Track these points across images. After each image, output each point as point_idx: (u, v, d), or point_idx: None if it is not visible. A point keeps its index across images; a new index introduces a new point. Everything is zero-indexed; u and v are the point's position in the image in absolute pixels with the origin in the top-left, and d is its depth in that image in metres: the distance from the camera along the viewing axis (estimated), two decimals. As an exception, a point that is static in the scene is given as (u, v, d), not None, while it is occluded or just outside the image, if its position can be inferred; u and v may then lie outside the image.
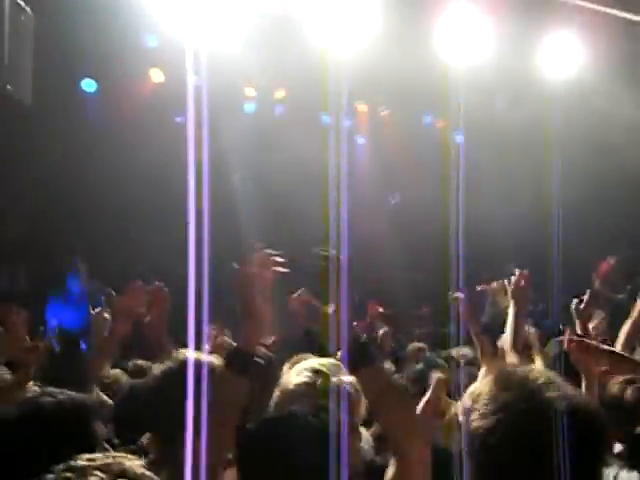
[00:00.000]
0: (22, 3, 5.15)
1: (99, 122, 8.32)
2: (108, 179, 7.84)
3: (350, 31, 7.53)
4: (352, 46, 7.50)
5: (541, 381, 1.17)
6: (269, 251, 1.59)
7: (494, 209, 10.11)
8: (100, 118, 8.36)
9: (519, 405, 1.13)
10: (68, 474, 0.88)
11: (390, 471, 1.55)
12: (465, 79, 8.68)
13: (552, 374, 1.24)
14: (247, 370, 1.54)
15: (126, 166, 8.02)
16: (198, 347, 1.82)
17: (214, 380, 1.48)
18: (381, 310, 6.80)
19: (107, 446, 1.61)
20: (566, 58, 8.81)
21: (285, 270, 1.57)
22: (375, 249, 9.08)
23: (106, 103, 8.42)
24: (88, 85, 8.30)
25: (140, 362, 3.40)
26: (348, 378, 1.73)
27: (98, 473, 0.87)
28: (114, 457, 0.93)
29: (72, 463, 0.91)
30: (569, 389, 1.19)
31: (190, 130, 2.25)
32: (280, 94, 9.34)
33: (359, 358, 1.51)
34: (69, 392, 1.63)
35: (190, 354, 1.86)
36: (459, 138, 10.80)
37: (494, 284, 4.41)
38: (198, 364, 1.78)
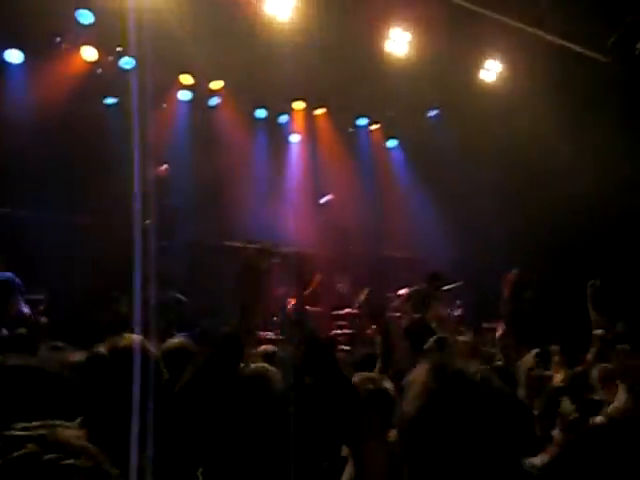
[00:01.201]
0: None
1: (23, 94, 7.91)
2: (29, 156, 7.49)
3: (293, 26, 7.56)
4: (295, 42, 7.53)
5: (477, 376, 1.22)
6: (266, 244, 1.60)
7: (423, 214, 10.42)
8: (24, 90, 7.95)
9: (447, 393, 1.18)
10: None
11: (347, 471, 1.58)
12: (401, 85, 8.95)
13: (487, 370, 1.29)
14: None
15: (49, 148, 7.67)
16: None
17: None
18: None
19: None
20: (493, 73, 9.28)
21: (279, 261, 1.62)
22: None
23: (32, 76, 8.02)
24: (13, 55, 7.87)
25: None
26: None
27: (30, 445, 0.81)
28: (50, 426, 0.86)
29: (5, 433, 0.84)
30: (501, 385, 1.24)
31: (134, 115, 2.19)
32: (217, 85, 9.21)
33: None
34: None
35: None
36: (392, 143, 11.08)
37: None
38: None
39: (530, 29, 8.16)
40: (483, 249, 9.54)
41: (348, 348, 8.51)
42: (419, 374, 1.25)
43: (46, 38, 7.97)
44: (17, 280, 6.05)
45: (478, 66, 9.40)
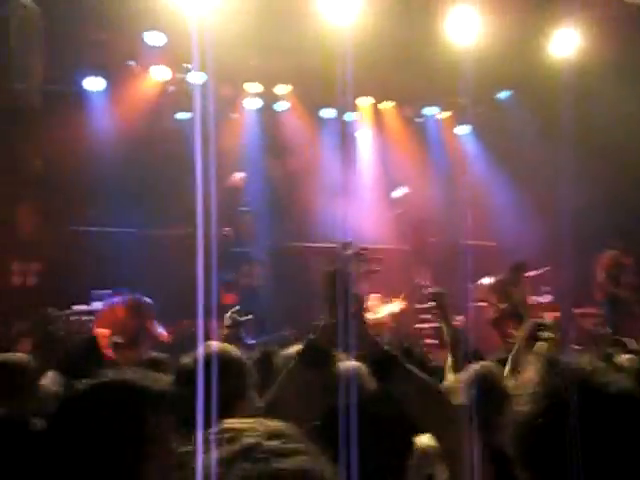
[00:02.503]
0: (30, 2, 5.18)
1: (103, 119, 8.35)
2: (110, 177, 7.91)
3: (354, 23, 7.55)
4: (355, 37, 7.50)
5: (590, 368, 1.17)
6: (353, 247, 1.56)
7: (504, 202, 10.14)
8: (105, 116, 8.39)
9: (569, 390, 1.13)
10: (225, 435, 0.90)
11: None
12: (470, 69, 8.71)
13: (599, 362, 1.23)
14: (322, 365, 1.52)
15: (131, 167, 8.06)
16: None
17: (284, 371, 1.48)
18: None
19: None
20: (570, 47, 8.81)
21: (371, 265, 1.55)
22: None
23: (110, 101, 8.45)
24: (93, 83, 8.32)
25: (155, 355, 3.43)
26: None
27: (250, 433, 0.90)
28: (255, 421, 0.94)
29: (225, 426, 0.93)
30: (616, 376, 1.18)
31: (198, 128, 2.28)
32: (283, 89, 9.35)
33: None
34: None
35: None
36: (463, 130, 10.84)
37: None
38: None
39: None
40: (571, 233, 9.17)
41: (435, 342, 8.42)
42: (535, 372, 1.20)
43: (120, 63, 8.37)
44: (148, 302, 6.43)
45: (552, 40, 8.98)
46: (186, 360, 2.06)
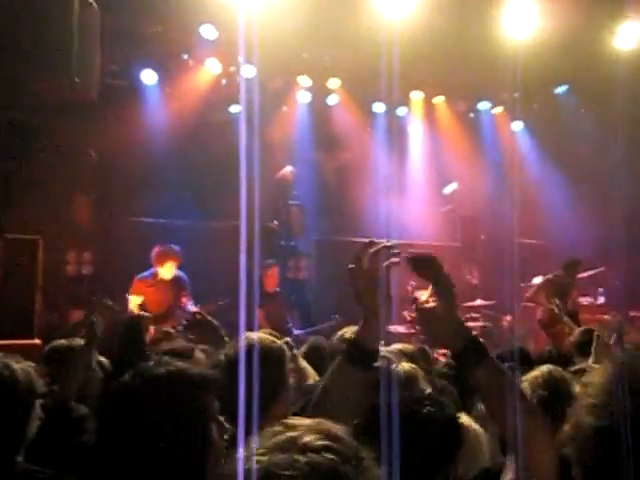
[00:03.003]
0: (88, -2, 5.33)
1: (158, 112, 8.51)
2: (163, 169, 8.07)
3: (406, 16, 7.46)
4: (408, 32, 7.41)
5: None
6: (382, 242, 1.52)
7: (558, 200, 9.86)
8: (159, 109, 8.56)
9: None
10: (285, 433, 0.90)
11: (508, 476, 1.48)
12: (526, 63, 8.48)
13: None
14: (367, 366, 1.48)
15: (184, 159, 8.21)
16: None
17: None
18: None
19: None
20: (633, 40, 8.45)
21: (398, 260, 1.50)
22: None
23: (165, 93, 8.62)
24: (149, 76, 8.49)
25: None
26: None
27: (308, 432, 0.90)
28: (313, 423, 0.95)
29: (285, 422, 0.94)
30: None
31: (242, 121, 2.30)
32: (334, 83, 9.32)
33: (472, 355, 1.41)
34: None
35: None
36: (517, 126, 10.59)
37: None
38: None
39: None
40: (629, 232, 8.84)
41: (482, 340, 8.27)
42: (601, 375, 1.15)
43: (175, 56, 8.52)
44: (186, 279, 6.56)
45: (613, 33, 8.64)
46: (228, 351, 2.09)
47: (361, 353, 1.49)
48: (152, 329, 6.11)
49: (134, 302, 6.36)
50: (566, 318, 6.80)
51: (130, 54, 8.13)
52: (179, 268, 6.56)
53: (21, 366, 1.85)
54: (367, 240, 1.51)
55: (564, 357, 3.82)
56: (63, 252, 7.93)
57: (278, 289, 7.29)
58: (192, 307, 6.31)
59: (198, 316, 2.78)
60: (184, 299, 6.41)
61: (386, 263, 1.48)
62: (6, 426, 1.77)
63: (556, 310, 6.86)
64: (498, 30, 8.24)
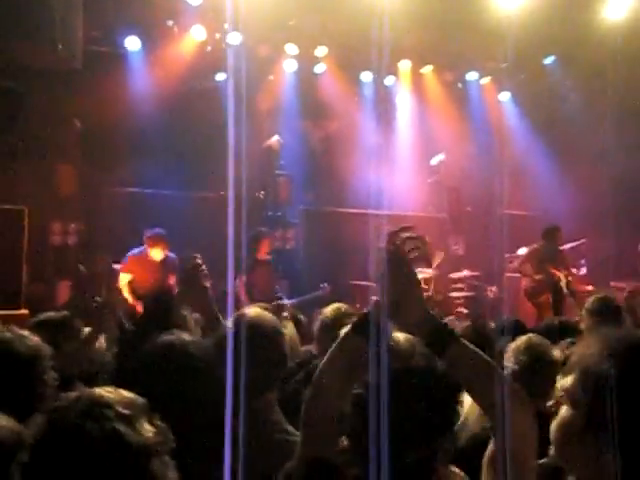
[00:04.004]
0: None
1: (142, 79, 8.38)
2: (148, 138, 7.99)
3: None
4: (397, 0, 7.33)
5: None
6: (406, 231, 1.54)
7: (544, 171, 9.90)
8: (143, 76, 8.42)
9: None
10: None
11: (490, 449, 1.54)
12: (514, 34, 8.43)
13: None
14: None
15: (169, 128, 8.12)
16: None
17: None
18: None
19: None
20: (623, 10, 8.40)
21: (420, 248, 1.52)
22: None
23: (149, 60, 8.47)
24: (133, 42, 8.33)
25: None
26: None
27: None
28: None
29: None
30: None
31: (229, 89, 2.29)
32: (322, 52, 9.20)
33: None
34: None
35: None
36: (505, 96, 10.57)
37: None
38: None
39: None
40: (612, 205, 8.94)
41: (466, 311, 8.39)
42: (594, 347, 1.19)
43: (160, 23, 8.36)
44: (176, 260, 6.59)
45: (603, 3, 8.57)
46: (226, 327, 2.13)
47: (370, 326, 1.51)
48: (139, 305, 6.19)
49: (123, 279, 6.42)
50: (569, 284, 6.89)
51: (114, 20, 7.96)
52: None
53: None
54: (400, 228, 1.54)
55: (572, 326, 3.80)
56: (48, 222, 7.88)
57: (269, 257, 7.33)
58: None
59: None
60: (172, 280, 6.46)
61: (410, 253, 1.52)
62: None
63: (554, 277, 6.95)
64: (487, 0, 8.17)
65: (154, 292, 2.83)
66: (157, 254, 6.53)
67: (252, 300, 6.34)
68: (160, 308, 2.63)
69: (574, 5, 8.27)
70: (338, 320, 2.90)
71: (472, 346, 1.48)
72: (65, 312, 3.20)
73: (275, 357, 2.14)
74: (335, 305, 3.18)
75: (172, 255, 6.60)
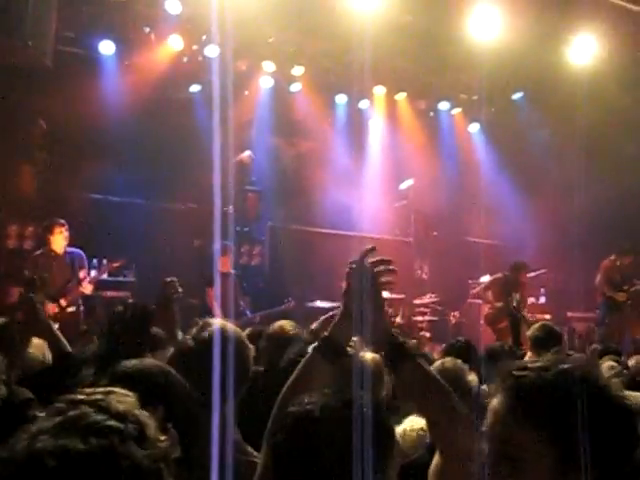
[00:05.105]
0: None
1: (115, 85, 8.24)
2: (117, 144, 7.85)
3: (372, 12, 7.46)
4: (376, 27, 7.42)
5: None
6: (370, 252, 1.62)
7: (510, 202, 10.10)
8: (116, 82, 8.28)
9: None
10: (62, 405, 0.92)
11: (434, 463, 1.58)
12: (486, 68, 8.65)
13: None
14: (337, 359, 1.61)
15: (139, 136, 7.99)
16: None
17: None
18: None
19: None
20: (587, 54, 8.72)
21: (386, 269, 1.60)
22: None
23: (123, 66, 8.34)
24: (107, 47, 8.19)
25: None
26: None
27: (84, 407, 0.92)
28: (107, 393, 0.96)
29: (69, 396, 0.94)
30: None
31: (203, 101, 2.24)
32: (298, 71, 9.24)
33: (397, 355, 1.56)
34: None
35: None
36: (474, 127, 10.78)
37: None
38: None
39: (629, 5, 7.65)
40: (571, 236, 9.15)
41: (428, 335, 8.43)
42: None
43: (136, 29, 8.25)
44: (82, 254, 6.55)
45: (568, 45, 8.90)
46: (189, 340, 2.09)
47: (333, 348, 1.60)
48: (52, 306, 6.04)
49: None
50: (524, 313, 7.07)
51: (89, 22, 7.83)
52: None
53: None
54: (371, 246, 1.64)
55: (514, 351, 4.05)
56: (4, 225, 7.62)
57: (233, 271, 7.26)
58: (89, 284, 6.30)
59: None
60: (82, 274, 6.40)
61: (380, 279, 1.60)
62: None
63: (512, 305, 7.08)
64: (463, 34, 8.35)
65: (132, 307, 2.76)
66: (58, 242, 6.36)
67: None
68: (138, 325, 2.56)
69: (542, 46, 8.54)
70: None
71: (427, 366, 1.58)
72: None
73: (237, 369, 2.08)
74: (281, 322, 3.33)
75: (77, 250, 6.52)
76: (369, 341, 1.63)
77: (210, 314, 6.60)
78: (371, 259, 1.60)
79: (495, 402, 1.16)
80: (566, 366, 1.14)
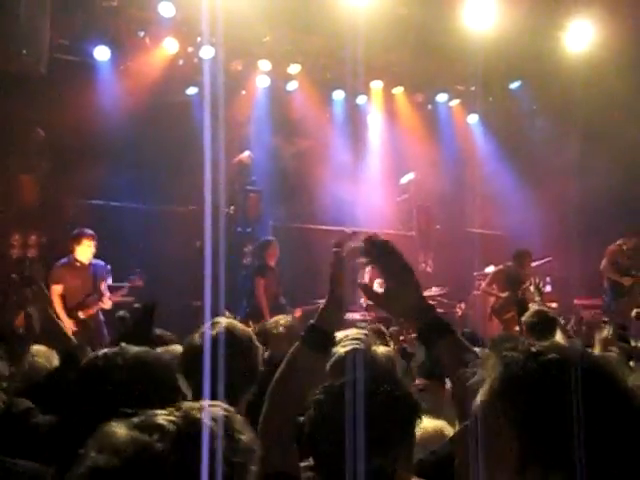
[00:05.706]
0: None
1: (111, 90, 8.22)
2: (114, 150, 7.84)
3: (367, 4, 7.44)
4: (371, 21, 7.39)
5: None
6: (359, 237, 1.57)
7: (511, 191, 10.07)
8: (112, 87, 8.27)
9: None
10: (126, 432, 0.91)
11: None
12: (483, 58, 8.61)
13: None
14: (325, 348, 1.57)
15: (136, 140, 7.98)
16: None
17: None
18: None
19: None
20: (584, 41, 8.67)
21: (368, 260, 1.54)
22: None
23: (119, 71, 8.33)
24: (102, 52, 8.17)
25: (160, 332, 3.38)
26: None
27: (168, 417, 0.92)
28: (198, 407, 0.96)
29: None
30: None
31: (201, 103, 2.23)
32: (295, 69, 9.20)
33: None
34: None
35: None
36: (473, 118, 10.74)
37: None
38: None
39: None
40: (574, 223, 9.12)
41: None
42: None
43: (131, 33, 8.23)
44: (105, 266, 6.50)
45: (564, 32, 8.84)
46: (196, 339, 2.08)
47: (320, 337, 1.55)
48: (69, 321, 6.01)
49: (56, 291, 6.15)
50: (537, 299, 7.03)
51: (83, 29, 7.81)
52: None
53: None
54: (351, 231, 1.61)
55: (515, 339, 4.04)
56: (8, 234, 7.62)
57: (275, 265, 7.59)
58: (109, 297, 6.28)
59: None
60: (102, 286, 6.35)
61: (358, 260, 1.53)
62: None
63: (528, 294, 7.04)
64: (458, 25, 8.31)
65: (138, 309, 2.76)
66: (84, 252, 6.30)
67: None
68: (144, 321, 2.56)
69: (538, 34, 8.50)
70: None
71: (464, 341, 1.52)
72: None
73: (245, 369, 2.05)
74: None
75: (101, 262, 6.47)
76: (400, 311, 1.55)
77: (258, 307, 7.09)
78: (351, 245, 1.54)
79: (484, 380, 1.13)
80: (556, 356, 1.10)
